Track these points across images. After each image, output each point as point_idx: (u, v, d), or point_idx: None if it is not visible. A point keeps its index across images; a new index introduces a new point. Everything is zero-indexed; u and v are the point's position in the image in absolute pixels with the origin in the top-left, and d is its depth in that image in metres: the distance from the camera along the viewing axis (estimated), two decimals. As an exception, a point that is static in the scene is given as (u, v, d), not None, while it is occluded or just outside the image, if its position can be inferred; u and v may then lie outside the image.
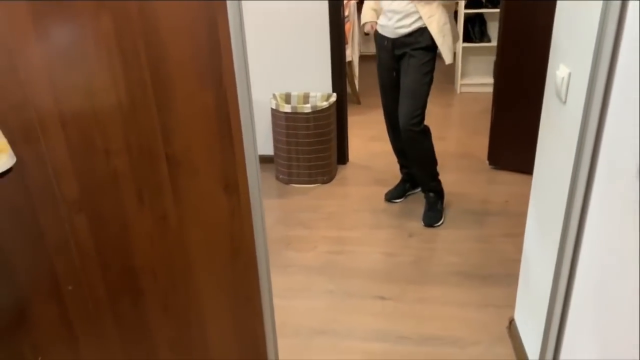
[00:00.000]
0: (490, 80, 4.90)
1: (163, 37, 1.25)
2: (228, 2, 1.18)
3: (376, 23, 2.64)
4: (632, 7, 1.02)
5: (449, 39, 2.50)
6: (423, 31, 2.45)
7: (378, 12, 2.64)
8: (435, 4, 2.42)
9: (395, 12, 2.47)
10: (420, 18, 2.42)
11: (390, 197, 2.99)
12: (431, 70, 2.53)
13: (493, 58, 4.93)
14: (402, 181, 3.04)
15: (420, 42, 2.47)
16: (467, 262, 2.40)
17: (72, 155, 1.42)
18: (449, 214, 2.82)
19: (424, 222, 2.72)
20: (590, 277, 1.28)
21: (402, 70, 2.57)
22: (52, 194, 1.48)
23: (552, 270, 1.47)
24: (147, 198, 1.44)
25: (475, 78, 5.00)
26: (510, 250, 2.46)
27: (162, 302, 1.60)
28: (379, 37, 2.63)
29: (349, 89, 4.51)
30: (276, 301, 1.90)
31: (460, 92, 4.98)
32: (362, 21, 2.71)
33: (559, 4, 1.45)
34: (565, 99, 1.36)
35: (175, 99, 1.31)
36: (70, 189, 1.47)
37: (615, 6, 1.05)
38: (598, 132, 1.17)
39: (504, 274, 2.28)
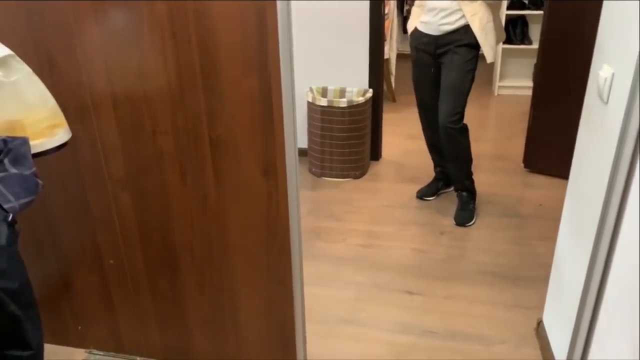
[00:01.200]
0: (529, 83, 4.82)
1: (214, 21, 1.30)
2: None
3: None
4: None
5: (492, 37, 2.49)
6: (467, 29, 2.44)
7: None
8: (478, 2, 2.41)
9: (440, 8, 2.47)
10: (464, 16, 2.42)
11: (423, 194, 3.00)
12: (474, 69, 2.53)
13: (533, 61, 4.84)
14: (435, 179, 3.04)
15: (463, 39, 2.46)
16: (497, 263, 2.39)
17: (121, 135, 1.49)
18: (482, 214, 2.81)
19: (455, 221, 2.72)
20: (623, 280, 1.27)
21: (444, 67, 2.56)
22: (100, 171, 1.57)
23: (584, 274, 1.47)
24: (190, 179, 1.50)
25: (514, 80, 4.92)
26: (542, 253, 2.44)
27: (198, 280, 1.66)
28: (418, 34, 2.63)
29: (384, 87, 4.53)
30: (305, 288, 1.94)
31: (498, 94, 4.91)
32: (410, 30, 2.69)
33: (605, 4, 1.44)
34: (608, 99, 1.35)
35: (222, 84, 1.36)
36: (117, 167, 1.54)
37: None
38: (639, 133, 1.16)
39: (535, 276, 2.27)
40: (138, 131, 1.48)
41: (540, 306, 2.05)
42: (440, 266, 2.38)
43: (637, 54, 1.13)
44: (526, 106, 4.42)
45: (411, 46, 2.69)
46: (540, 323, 1.92)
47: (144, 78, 1.41)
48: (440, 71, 2.61)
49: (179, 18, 1.31)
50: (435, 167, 3.03)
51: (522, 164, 3.37)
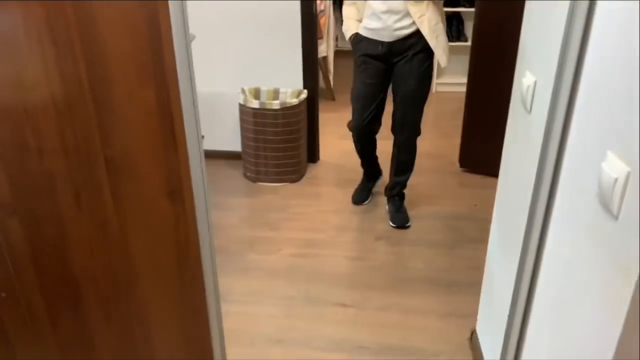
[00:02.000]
0: (466, 79, 4.87)
1: (99, 27, 1.14)
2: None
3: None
4: (600, 9, 0.96)
5: (443, 39, 2.38)
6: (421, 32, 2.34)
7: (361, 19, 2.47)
8: (424, 2, 2.28)
9: (392, 12, 2.30)
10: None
11: (357, 200, 2.92)
12: (431, 75, 2.48)
13: (469, 58, 4.91)
14: (365, 181, 2.97)
15: (419, 43, 2.34)
16: (432, 268, 2.35)
17: (3, 154, 1.31)
18: (418, 216, 2.77)
19: (394, 224, 2.67)
20: (549, 292, 1.23)
21: (400, 76, 2.42)
22: (-17, 195, 1.37)
23: (512, 285, 1.42)
24: (86, 203, 1.33)
25: (452, 77, 4.96)
26: (476, 256, 2.42)
27: (105, 312, 1.50)
28: (365, 43, 2.43)
29: (323, 85, 4.43)
30: (234, 307, 1.81)
31: (436, 91, 4.94)
32: (347, 35, 2.50)
33: (526, 7, 1.39)
34: (530, 108, 1.30)
35: (114, 96, 1.21)
36: (2, 190, 1.35)
37: (582, 9, 0.98)
38: (561, 145, 1.11)
39: (469, 282, 2.24)
40: (22, 150, 1.29)
41: (474, 314, 2.01)
42: (375, 274, 2.31)
43: (557, 61, 1.08)
44: (463, 103, 4.49)
45: (356, 56, 2.50)
46: (473, 333, 1.88)
47: (23, 90, 1.23)
48: (388, 79, 2.48)
49: (58, 23, 1.15)
50: (363, 160, 2.88)
51: (458, 163, 3.36)
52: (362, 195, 2.93)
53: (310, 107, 3.26)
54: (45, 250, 1.43)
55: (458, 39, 4.82)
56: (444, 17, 2.41)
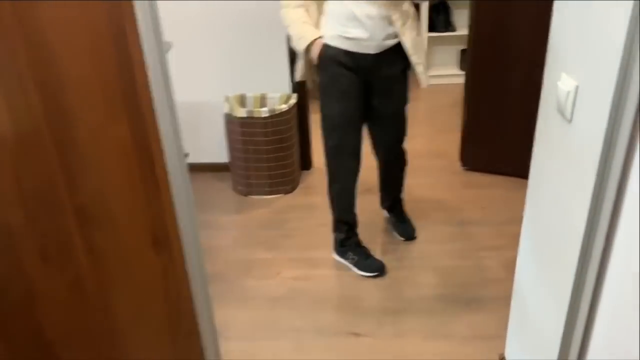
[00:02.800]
0: (456, 71, 4.70)
1: (53, 51, 0.93)
2: (137, 4, 0.87)
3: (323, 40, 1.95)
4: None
5: (424, 54, 2.04)
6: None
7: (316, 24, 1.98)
8: (407, 2, 1.92)
9: (382, 17, 1.87)
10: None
11: (379, 267, 2.25)
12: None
13: (459, 48, 4.74)
14: (357, 238, 2.34)
15: (399, 54, 1.97)
16: (447, 283, 2.17)
17: (-51, 208, 1.09)
18: (424, 223, 2.58)
19: (404, 237, 2.46)
20: (615, 336, 1.05)
21: (384, 92, 2.05)
22: None
23: (556, 315, 1.24)
24: (54, 259, 1.12)
25: (442, 69, 4.79)
26: (492, 266, 2.25)
27: (87, 377, 1.29)
28: (342, 56, 1.93)
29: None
30: (235, 344, 1.61)
31: (427, 84, 4.74)
32: (304, 43, 1.94)
33: (557, 3, 1.20)
34: (572, 117, 1.12)
35: (79, 134, 1.00)
36: (-47, 248, 1.13)
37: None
38: (625, 165, 0.92)
39: (489, 296, 2.06)
40: (-28, 202, 1.08)
41: (499, 335, 1.83)
42: (386, 295, 2.12)
43: (618, 66, 0.89)
44: (456, 95, 4.30)
45: (325, 72, 1.99)
46: (502, 359, 1.70)
47: (-34, 131, 1.01)
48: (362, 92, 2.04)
49: (0, 48, 0.93)
50: (351, 210, 2.29)
51: (460, 162, 3.18)
52: (376, 261, 2.26)
53: (301, 111, 3.05)
54: (12, 312, 1.21)
55: (446, 29, 4.64)
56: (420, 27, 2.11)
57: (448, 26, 4.66)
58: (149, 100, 0.95)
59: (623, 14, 0.86)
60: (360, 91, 2.03)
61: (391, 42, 1.94)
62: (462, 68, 4.69)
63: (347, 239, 2.28)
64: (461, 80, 4.52)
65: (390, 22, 1.90)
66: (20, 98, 0.96)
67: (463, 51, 4.71)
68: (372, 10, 1.86)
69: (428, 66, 4.72)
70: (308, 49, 1.97)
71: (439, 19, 4.63)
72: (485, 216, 2.63)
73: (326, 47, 1.94)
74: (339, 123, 2.05)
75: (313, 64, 2.03)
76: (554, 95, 1.21)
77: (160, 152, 0.99)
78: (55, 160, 1.02)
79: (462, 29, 4.55)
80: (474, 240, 2.44)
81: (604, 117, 0.95)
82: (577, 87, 1.09)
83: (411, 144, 3.53)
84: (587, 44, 1.04)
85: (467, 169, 3.14)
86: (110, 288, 1.15)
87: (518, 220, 2.54)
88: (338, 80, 1.99)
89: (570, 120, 1.13)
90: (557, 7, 1.20)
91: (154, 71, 0.93)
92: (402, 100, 2.14)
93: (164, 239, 1.09)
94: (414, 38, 1.96)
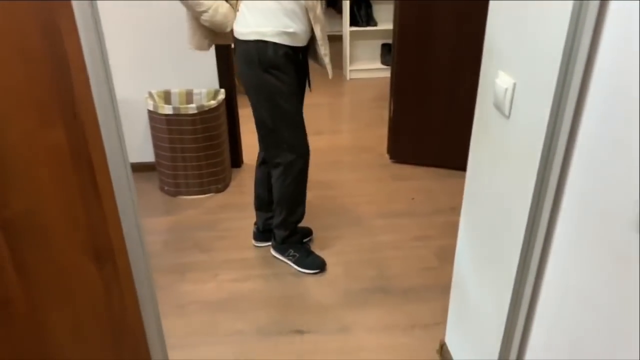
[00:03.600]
0: (379, 65, 4.81)
1: (-27, 51, 0.82)
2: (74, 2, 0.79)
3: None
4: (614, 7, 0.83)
5: (328, 45, 2.00)
6: None
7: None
8: None
9: (300, 7, 1.85)
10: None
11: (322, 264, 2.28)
12: None
13: (380, 42, 4.85)
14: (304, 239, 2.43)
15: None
16: (384, 275, 2.22)
17: None
18: (357, 217, 2.63)
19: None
20: (554, 319, 1.12)
21: (303, 87, 2.11)
22: None
23: (497, 304, 1.31)
24: (-24, 280, 1.00)
25: (364, 63, 4.87)
26: (425, 255, 2.33)
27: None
28: (291, 53, 1.90)
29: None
30: (176, 354, 1.55)
31: (350, 79, 4.82)
32: (228, 27, 1.92)
33: (492, 2, 1.25)
34: (510, 113, 1.17)
35: (7, 141, 0.89)
36: None
37: (593, 7, 0.85)
38: (565, 162, 0.98)
39: (424, 285, 2.14)
40: None
41: (437, 321, 1.92)
42: (327, 291, 2.14)
43: (557, 66, 0.94)
44: (380, 90, 4.41)
45: (285, 67, 1.90)
46: (443, 345, 1.77)
47: None
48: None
49: None
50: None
51: (387, 155, 3.27)
52: (318, 258, 2.26)
53: (229, 107, 2.97)
54: None
55: (367, 24, 4.73)
56: None
57: (370, 21, 4.75)
58: (88, 102, 0.87)
59: (563, 12, 0.92)
60: (301, 85, 2.06)
61: (310, 33, 1.94)
62: (383, 62, 4.81)
63: (290, 235, 2.25)
64: (383, 74, 4.66)
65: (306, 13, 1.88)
66: None
67: (384, 45, 4.83)
68: (301, 3, 1.83)
69: (350, 61, 4.79)
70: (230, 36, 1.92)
71: (361, 14, 4.71)
72: (414, 207, 2.73)
73: (273, 46, 1.85)
74: (295, 119, 2.02)
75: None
76: (491, 91, 1.26)
77: (102, 157, 0.91)
78: (-23, 171, 0.90)
79: (383, 24, 4.66)
80: (405, 231, 2.52)
81: (544, 114, 1.01)
82: (514, 84, 1.15)
83: (338, 139, 3.59)
84: (525, 42, 1.10)
85: (395, 162, 3.23)
86: (44, 310, 1.04)
87: (445, 211, 2.67)
88: (288, 78, 1.92)
89: (508, 117, 1.19)
90: (492, 6, 1.25)
91: (95, 71, 0.85)
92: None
93: (106, 252, 1.00)
94: (323, 29, 1.94)
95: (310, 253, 2.27)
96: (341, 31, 4.82)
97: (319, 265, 2.23)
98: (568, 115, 0.95)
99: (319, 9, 1.89)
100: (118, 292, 1.05)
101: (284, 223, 2.23)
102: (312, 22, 1.89)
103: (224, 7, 1.91)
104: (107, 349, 1.11)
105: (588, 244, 0.95)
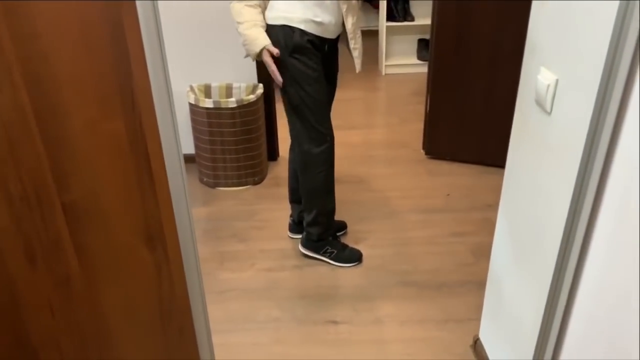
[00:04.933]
0: (415, 60, 4.79)
1: (43, 45, 0.88)
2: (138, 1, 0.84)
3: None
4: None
5: (360, 40, 2.06)
6: None
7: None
8: None
9: (334, 1, 1.89)
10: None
11: (359, 255, 2.31)
12: None
13: (417, 37, 4.82)
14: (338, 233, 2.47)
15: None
16: (418, 269, 2.24)
17: None
18: (392, 212, 2.65)
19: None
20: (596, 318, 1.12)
21: (332, 78, 2.15)
22: None
23: (535, 301, 1.32)
24: (41, 260, 1.08)
25: (400, 59, 4.85)
26: (461, 251, 2.34)
27: (73, 380, 1.25)
28: (317, 42, 1.92)
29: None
30: (217, 337, 1.62)
31: (386, 74, 4.82)
32: (257, 47, 1.89)
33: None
34: (551, 110, 1.18)
35: (70, 131, 0.96)
36: None
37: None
38: (607, 159, 0.99)
39: (459, 281, 2.15)
40: (-50, 202, 1.02)
41: (471, 317, 1.93)
42: (361, 282, 2.17)
43: (602, 63, 0.94)
44: (416, 85, 4.40)
45: (309, 55, 1.92)
46: (477, 341, 1.78)
47: (-56, 128, 0.95)
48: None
49: (-14, 40, 0.88)
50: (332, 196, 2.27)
51: (423, 151, 3.27)
52: (354, 251, 2.30)
53: (267, 101, 3.03)
54: (-8, 318, 1.16)
55: (404, 19, 4.71)
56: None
57: (407, 16, 4.73)
58: (147, 95, 0.93)
59: (609, 10, 0.92)
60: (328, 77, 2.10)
61: (341, 28, 1.97)
62: (420, 58, 4.79)
63: (325, 231, 2.25)
64: (419, 69, 4.64)
65: (339, 6, 1.90)
66: (9, 94, 0.91)
67: (420, 41, 4.80)
68: None
69: (386, 56, 4.78)
70: (259, 53, 1.91)
71: (398, 9, 4.69)
72: (451, 203, 2.72)
73: (299, 32, 1.87)
74: (319, 103, 2.00)
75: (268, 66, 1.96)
76: (532, 88, 1.26)
77: (158, 148, 0.97)
78: (44, 157, 0.97)
79: (420, 19, 4.63)
80: (441, 227, 2.52)
81: (586, 111, 1.01)
82: (557, 81, 1.15)
83: (373, 134, 3.61)
84: (569, 38, 1.10)
85: (431, 157, 3.23)
86: (100, 288, 1.12)
87: (481, 207, 2.66)
88: (312, 64, 1.93)
89: (549, 113, 1.19)
90: (535, 3, 1.25)
91: (153, 65, 0.91)
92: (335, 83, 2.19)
93: (158, 237, 1.07)
94: (355, 23, 1.96)
95: (346, 247, 2.30)
96: (377, 26, 4.81)
97: (358, 258, 2.27)
98: (612, 113, 0.95)
99: (350, 3, 1.91)
100: (168, 275, 1.11)
101: (317, 220, 2.21)
102: (344, 15, 1.91)
103: (258, 27, 1.91)
104: (156, 327, 1.18)
105: (627, 243, 0.95)
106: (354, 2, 1.93)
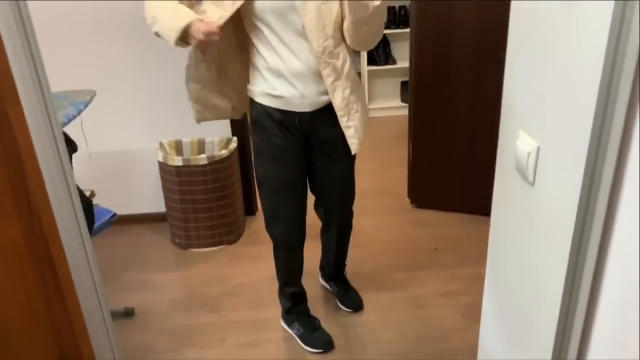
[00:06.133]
0: (398, 103, 4.71)
1: None
2: (18, 80, 0.69)
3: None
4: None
5: (359, 114, 1.72)
6: None
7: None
8: (340, 59, 1.63)
9: (311, 72, 1.62)
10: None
11: (326, 342, 2.03)
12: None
13: (399, 80, 4.76)
14: (306, 310, 2.15)
15: None
16: (405, 338, 2.04)
17: None
18: (376, 269, 2.47)
19: (350, 308, 2.20)
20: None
21: (327, 154, 1.79)
22: None
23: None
24: None
25: (384, 101, 4.79)
26: (449, 315, 2.15)
27: None
28: (277, 115, 1.69)
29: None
30: None
31: (370, 117, 4.71)
32: (180, 22, 1.49)
33: (510, 49, 1.12)
34: (534, 180, 1.03)
35: (-45, 236, 0.79)
36: None
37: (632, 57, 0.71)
38: (603, 239, 0.83)
39: (449, 350, 1.95)
40: None
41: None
42: (345, 356, 1.96)
43: (588, 133, 0.80)
44: (400, 128, 4.28)
45: (260, 128, 1.74)
46: None
47: None
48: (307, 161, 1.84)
49: None
50: (293, 287, 2.08)
51: (408, 199, 3.12)
52: (323, 336, 2.04)
53: (243, 152, 2.89)
54: None
55: (386, 62, 4.66)
56: (362, 88, 1.80)
57: (388, 59, 4.68)
58: (42, 192, 0.77)
59: (592, 68, 0.78)
60: (299, 152, 1.78)
61: (326, 97, 1.68)
62: (403, 100, 4.71)
63: (293, 307, 2.08)
64: (403, 112, 4.54)
65: (322, 78, 1.64)
66: None
67: (404, 83, 4.74)
68: (300, 65, 1.62)
69: (369, 100, 4.70)
70: (186, 37, 1.52)
71: (379, 52, 4.64)
72: (437, 258, 2.55)
73: (258, 105, 1.72)
74: (275, 187, 1.78)
75: (200, 54, 1.66)
76: (512, 154, 1.12)
77: (62, 254, 0.80)
78: None
79: (402, 62, 4.58)
80: (428, 286, 2.34)
81: (574, 185, 0.86)
82: (538, 148, 1.01)
83: (358, 182, 3.42)
84: (549, 101, 0.96)
85: (416, 207, 3.07)
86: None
87: (470, 262, 2.48)
88: (271, 140, 1.73)
89: (532, 184, 1.04)
90: (509, 60, 1.12)
91: (45, 158, 0.75)
92: (349, 161, 1.86)
93: (73, 353, 0.89)
94: (347, 97, 1.67)
95: (317, 329, 2.06)
96: (359, 68, 4.76)
97: (324, 344, 2.00)
98: (605, 187, 0.80)
99: (345, 68, 1.64)
100: (88, 398, 0.92)
101: (281, 291, 2.09)
102: (329, 89, 1.64)
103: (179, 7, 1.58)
104: None
105: (633, 322, 0.78)
106: (345, 73, 1.64)
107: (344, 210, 2.03)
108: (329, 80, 1.63)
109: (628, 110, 0.74)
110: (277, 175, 1.77)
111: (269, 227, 1.89)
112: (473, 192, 2.85)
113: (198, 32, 1.48)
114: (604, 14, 0.74)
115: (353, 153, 1.74)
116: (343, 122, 1.69)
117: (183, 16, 1.52)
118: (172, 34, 1.52)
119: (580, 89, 0.83)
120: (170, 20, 1.53)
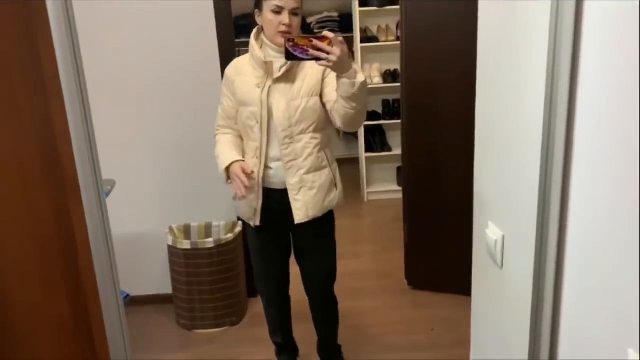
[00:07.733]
0: (395, 187, 4.95)
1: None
2: (83, 187, 0.89)
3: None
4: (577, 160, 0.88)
5: (312, 194, 1.93)
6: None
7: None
8: (301, 142, 1.90)
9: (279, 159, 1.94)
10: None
11: None
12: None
13: (395, 165, 5.04)
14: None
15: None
16: (403, 419, 2.09)
17: None
18: (374, 351, 2.54)
19: None
20: None
21: (302, 227, 1.99)
22: None
23: None
24: None
25: (381, 185, 5.02)
26: (447, 396, 2.21)
27: None
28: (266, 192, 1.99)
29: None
30: None
31: (368, 200, 4.94)
32: (221, 166, 1.92)
33: (478, 151, 1.33)
34: (502, 264, 1.19)
35: (12, 313, 0.95)
36: None
37: (558, 163, 0.90)
38: (554, 314, 0.98)
39: None
40: None
41: None
42: None
43: (534, 222, 0.98)
44: (397, 210, 4.45)
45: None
46: None
47: None
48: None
49: None
50: (281, 331, 2.40)
51: (406, 281, 3.23)
52: None
53: (246, 237, 3.05)
54: None
55: (382, 149, 4.96)
56: (333, 162, 2.02)
57: (384, 147, 4.99)
58: (91, 274, 0.94)
59: (533, 169, 0.97)
60: (278, 225, 2.04)
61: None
62: (399, 184, 4.95)
63: (278, 355, 2.42)
64: (400, 195, 4.76)
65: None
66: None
67: (399, 168, 5.01)
68: (273, 150, 1.91)
69: (367, 184, 4.94)
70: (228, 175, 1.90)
71: (375, 141, 4.97)
72: (434, 338, 2.63)
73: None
74: (259, 251, 2.16)
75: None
76: (484, 241, 1.29)
77: (101, 331, 0.96)
78: (-16, 344, 0.96)
79: (397, 149, 4.87)
80: (426, 366, 2.41)
81: (528, 268, 1.03)
82: (503, 237, 1.18)
83: (356, 264, 3.59)
84: (508, 195, 1.15)
85: (414, 288, 3.18)
86: None
87: (465, 343, 2.53)
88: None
89: (501, 267, 1.21)
90: (478, 160, 1.33)
91: (96, 246, 0.93)
92: (329, 234, 2.11)
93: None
94: (299, 181, 1.90)
95: None
96: (357, 154, 5.05)
97: None
98: (550, 272, 0.97)
99: (305, 152, 1.90)
100: None
101: (270, 337, 2.45)
102: (285, 173, 1.90)
103: (222, 143, 2.03)
104: None
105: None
106: (304, 156, 1.89)
107: (323, 281, 2.16)
108: (285, 159, 1.90)
109: (561, 211, 0.93)
110: (260, 242, 2.14)
111: (255, 282, 2.30)
112: (467, 274, 2.96)
113: (234, 174, 1.85)
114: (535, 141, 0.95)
115: (296, 222, 1.95)
116: (292, 195, 1.92)
117: (229, 158, 1.90)
118: (220, 171, 1.96)
119: (525, 190, 1.02)
120: (221, 160, 1.95)
